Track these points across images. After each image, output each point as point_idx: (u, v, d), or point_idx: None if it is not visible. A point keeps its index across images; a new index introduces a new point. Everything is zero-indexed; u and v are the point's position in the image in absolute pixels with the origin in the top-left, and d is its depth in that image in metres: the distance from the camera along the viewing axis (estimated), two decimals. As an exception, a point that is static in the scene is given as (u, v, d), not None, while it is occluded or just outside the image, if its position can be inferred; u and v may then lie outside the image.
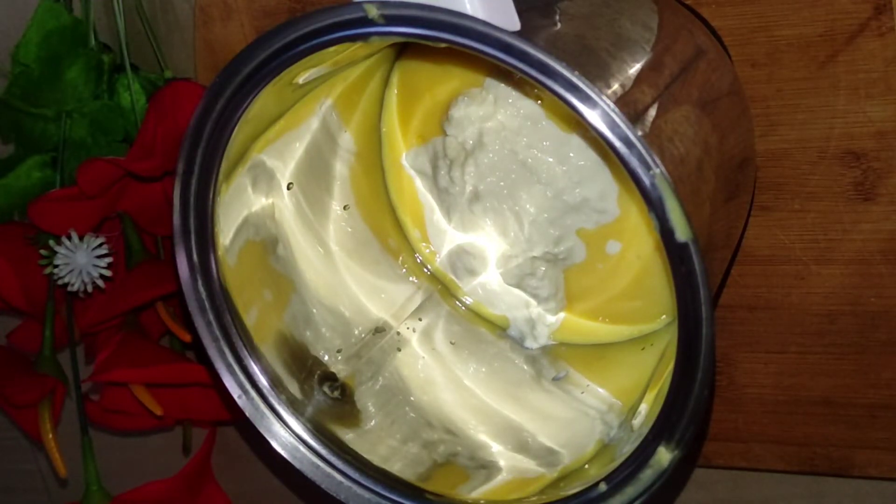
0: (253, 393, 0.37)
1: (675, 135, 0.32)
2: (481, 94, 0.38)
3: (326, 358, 0.39)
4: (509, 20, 0.30)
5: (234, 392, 0.37)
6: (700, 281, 0.28)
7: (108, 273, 0.46)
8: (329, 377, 0.39)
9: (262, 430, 0.37)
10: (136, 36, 0.48)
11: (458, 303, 0.42)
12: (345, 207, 0.40)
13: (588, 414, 0.38)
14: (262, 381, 0.37)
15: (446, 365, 0.41)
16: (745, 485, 0.44)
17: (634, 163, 0.28)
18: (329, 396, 0.38)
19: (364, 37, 0.29)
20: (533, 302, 0.41)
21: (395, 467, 0.37)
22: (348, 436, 0.37)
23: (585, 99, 0.27)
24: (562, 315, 0.40)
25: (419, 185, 0.41)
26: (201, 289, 0.36)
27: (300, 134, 0.38)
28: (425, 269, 0.42)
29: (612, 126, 0.27)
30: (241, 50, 0.31)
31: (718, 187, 0.34)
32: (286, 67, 0.31)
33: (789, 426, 0.42)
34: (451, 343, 0.41)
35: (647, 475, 0.32)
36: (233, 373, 0.37)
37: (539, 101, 0.38)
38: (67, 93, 0.46)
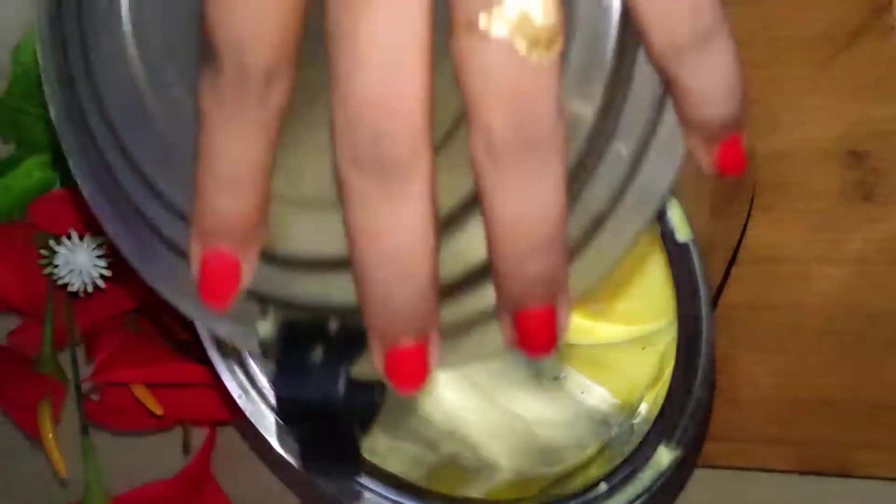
0: (253, 393, 0.37)
1: (675, 135, 0.32)
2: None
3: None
4: None
5: (235, 392, 0.37)
6: (700, 281, 0.28)
7: (108, 273, 0.46)
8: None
9: (262, 430, 0.37)
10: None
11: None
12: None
13: (588, 414, 0.38)
14: (262, 381, 0.37)
15: (446, 365, 0.41)
16: (745, 485, 0.44)
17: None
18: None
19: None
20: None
21: (395, 467, 0.37)
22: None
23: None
24: (562, 315, 0.40)
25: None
26: (201, 289, 0.36)
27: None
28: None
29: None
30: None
31: (718, 187, 0.34)
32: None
33: (789, 426, 0.42)
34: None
35: (647, 475, 0.32)
36: (233, 373, 0.37)
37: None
38: (67, 93, 0.46)
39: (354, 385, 0.22)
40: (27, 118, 0.47)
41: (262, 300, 0.23)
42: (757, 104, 0.39)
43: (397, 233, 0.19)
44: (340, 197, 0.20)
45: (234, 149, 0.20)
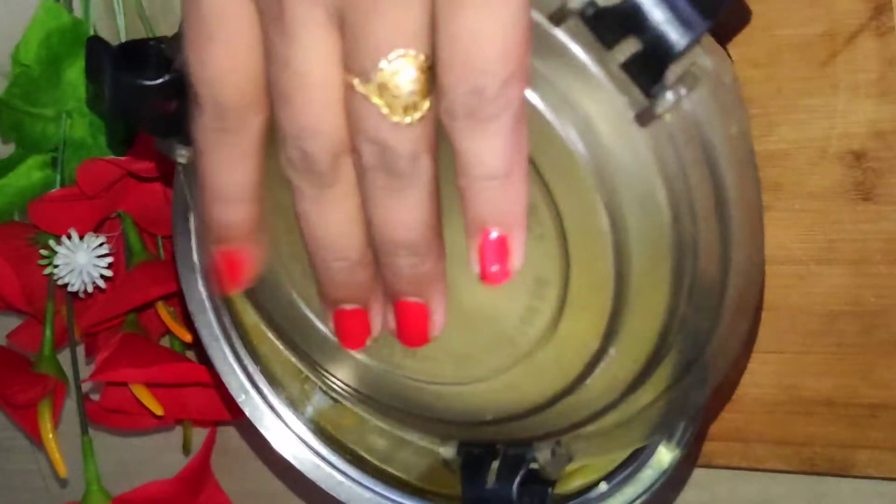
0: (253, 393, 0.37)
1: (676, 135, 0.32)
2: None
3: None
4: None
5: (235, 392, 0.37)
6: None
7: (108, 273, 0.46)
8: (329, 377, 0.39)
9: (262, 430, 0.37)
10: (136, 36, 0.48)
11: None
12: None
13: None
14: (262, 381, 0.37)
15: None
16: (745, 485, 0.44)
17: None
18: (329, 396, 0.38)
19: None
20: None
21: (396, 467, 0.37)
22: (348, 436, 0.37)
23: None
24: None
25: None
26: (201, 289, 0.36)
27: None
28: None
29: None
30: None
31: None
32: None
33: (789, 426, 0.42)
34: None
35: (647, 475, 0.32)
36: (233, 373, 0.37)
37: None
38: (67, 93, 0.46)
39: (524, 483, 0.31)
40: (27, 118, 0.47)
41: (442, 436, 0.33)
42: (756, 104, 0.39)
43: (326, 225, 0.25)
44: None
45: (224, 172, 0.25)
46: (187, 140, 0.30)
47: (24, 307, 0.47)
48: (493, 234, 0.24)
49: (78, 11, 0.47)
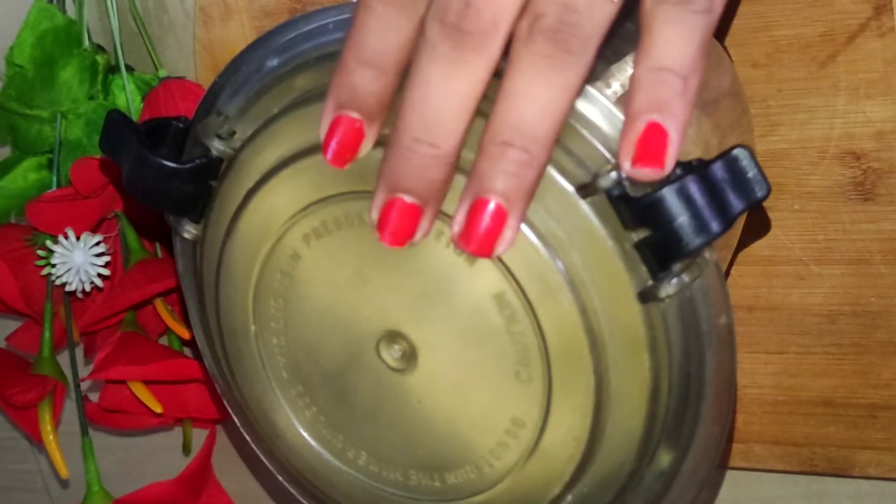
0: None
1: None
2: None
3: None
4: None
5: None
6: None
7: (105, 272, 0.45)
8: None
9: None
10: (130, 37, 0.48)
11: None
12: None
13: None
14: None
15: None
16: (745, 485, 0.44)
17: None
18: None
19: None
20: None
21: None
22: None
23: (586, 97, 0.27)
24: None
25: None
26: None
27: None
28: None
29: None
30: (242, 50, 0.31)
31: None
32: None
33: (789, 426, 0.42)
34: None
35: (647, 476, 0.32)
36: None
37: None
38: (62, 94, 0.46)
39: None
40: (22, 120, 0.46)
41: None
42: (756, 104, 0.39)
43: (442, 98, 0.22)
44: (417, 46, 0.23)
45: (382, 33, 0.23)
46: (196, 218, 0.31)
47: (22, 309, 0.47)
48: (653, 121, 0.23)
49: (71, 12, 0.47)
